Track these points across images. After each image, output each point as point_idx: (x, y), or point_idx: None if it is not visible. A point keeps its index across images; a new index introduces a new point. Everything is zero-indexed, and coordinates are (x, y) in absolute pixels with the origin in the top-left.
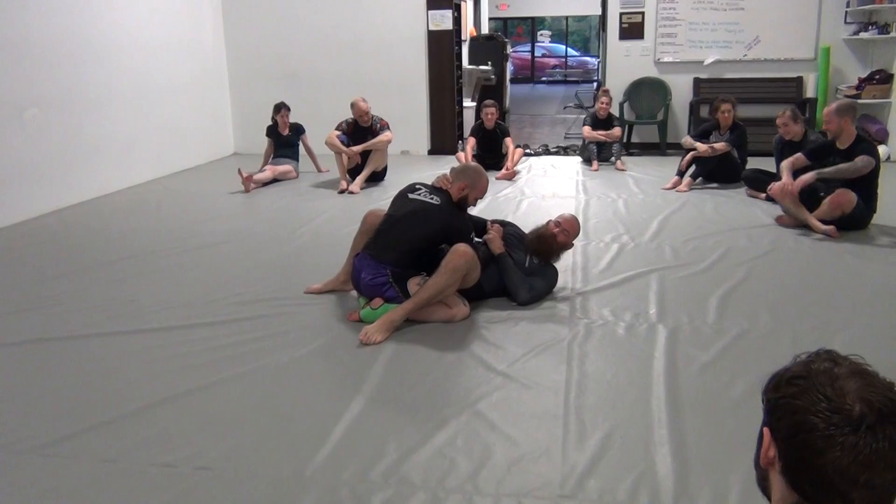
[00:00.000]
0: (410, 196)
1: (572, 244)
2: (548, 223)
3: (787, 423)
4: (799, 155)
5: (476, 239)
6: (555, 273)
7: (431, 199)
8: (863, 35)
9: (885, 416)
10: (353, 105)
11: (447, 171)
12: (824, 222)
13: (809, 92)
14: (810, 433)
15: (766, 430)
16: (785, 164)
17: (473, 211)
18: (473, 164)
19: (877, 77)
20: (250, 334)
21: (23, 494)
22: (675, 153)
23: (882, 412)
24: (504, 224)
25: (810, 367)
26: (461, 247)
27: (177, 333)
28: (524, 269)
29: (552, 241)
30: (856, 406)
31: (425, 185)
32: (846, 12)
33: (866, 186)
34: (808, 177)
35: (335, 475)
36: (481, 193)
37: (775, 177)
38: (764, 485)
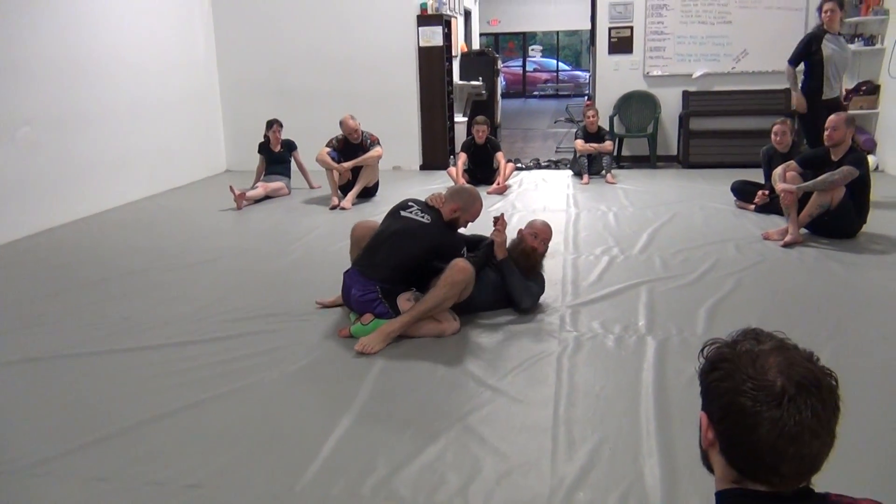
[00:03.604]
0: (402, 213)
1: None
2: (522, 237)
3: (717, 405)
4: (791, 162)
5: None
6: (543, 278)
7: (422, 217)
8: (849, 47)
9: (805, 388)
10: (342, 123)
11: (443, 190)
12: (808, 226)
13: None
14: (739, 413)
15: (702, 414)
16: (779, 170)
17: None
18: (469, 186)
19: (864, 88)
20: (241, 351)
21: None
22: (664, 166)
23: (801, 384)
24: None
25: (735, 349)
26: (461, 262)
27: (168, 351)
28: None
29: (534, 254)
30: (777, 381)
31: (418, 203)
32: None
33: (857, 195)
34: (793, 188)
35: (325, 491)
36: (473, 217)
37: (763, 188)
38: (707, 463)
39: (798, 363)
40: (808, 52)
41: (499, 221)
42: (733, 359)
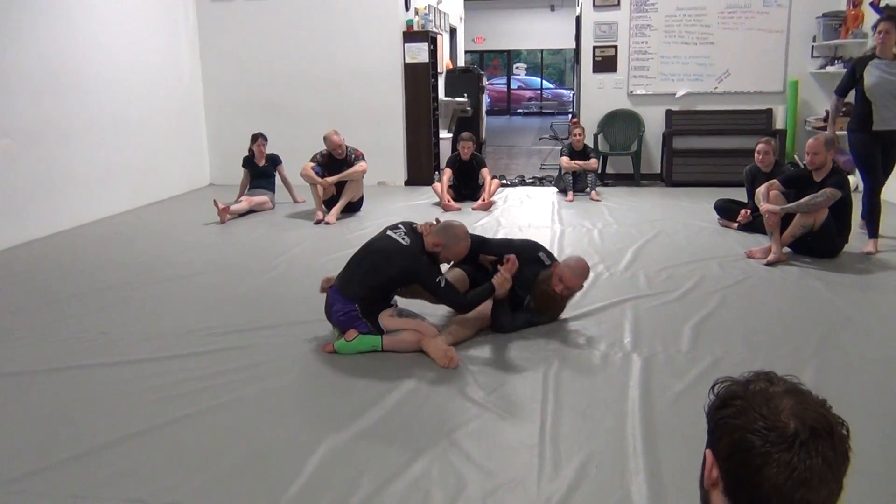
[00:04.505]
0: (388, 232)
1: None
2: (552, 277)
3: (725, 442)
4: (775, 181)
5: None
6: (541, 321)
7: (402, 239)
8: (829, 69)
9: (818, 433)
10: (326, 138)
11: (439, 218)
12: (791, 245)
13: (779, 124)
14: (748, 451)
15: (708, 451)
16: (762, 189)
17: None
18: (459, 225)
19: (844, 109)
20: (224, 366)
21: None
22: (648, 183)
23: (814, 429)
24: (523, 251)
25: (747, 388)
26: (490, 316)
27: (149, 366)
28: (521, 308)
29: (556, 299)
30: (790, 423)
31: (407, 225)
32: (813, 47)
33: (839, 216)
34: (777, 208)
35: None
36: (455, 257)
37: (747, 206)
38: None
39: (812, 408)
40: (854, 79)
41: (506, 265)
42: (746, 396)
